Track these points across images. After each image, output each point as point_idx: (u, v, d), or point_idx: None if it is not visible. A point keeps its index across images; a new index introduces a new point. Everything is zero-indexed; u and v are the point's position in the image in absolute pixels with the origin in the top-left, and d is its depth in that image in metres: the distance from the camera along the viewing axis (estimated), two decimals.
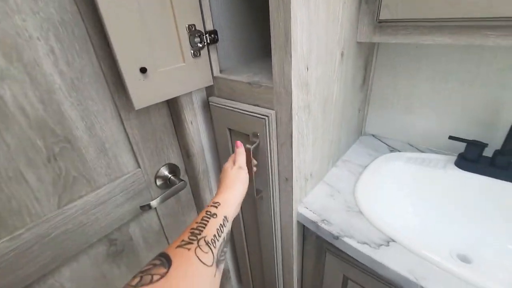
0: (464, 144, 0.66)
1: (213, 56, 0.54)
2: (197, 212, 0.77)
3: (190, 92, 0.57)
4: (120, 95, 0.51)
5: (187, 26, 0.48)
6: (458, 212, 0.64)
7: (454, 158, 0.70)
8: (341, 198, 0.63)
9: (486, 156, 0.65)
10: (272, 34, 0.42)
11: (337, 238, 0.54)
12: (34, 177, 0.44)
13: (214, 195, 0.51)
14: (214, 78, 0.56)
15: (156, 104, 0.57)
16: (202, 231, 0.34)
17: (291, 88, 0.44)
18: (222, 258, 0.36)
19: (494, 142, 0.64)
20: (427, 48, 0.68)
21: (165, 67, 0.47)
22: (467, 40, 0.49)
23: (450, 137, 0.67)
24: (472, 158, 0.65)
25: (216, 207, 0.39)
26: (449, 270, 0.44)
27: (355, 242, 0.52)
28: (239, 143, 0.49)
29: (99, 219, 0.54)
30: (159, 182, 0.63)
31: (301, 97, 0.47)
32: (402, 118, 0.80)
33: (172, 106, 0.59)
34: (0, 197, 0.42)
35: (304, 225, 0.64)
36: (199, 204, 0.74)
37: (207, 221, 0.36)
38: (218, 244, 0.35)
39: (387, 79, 0.78)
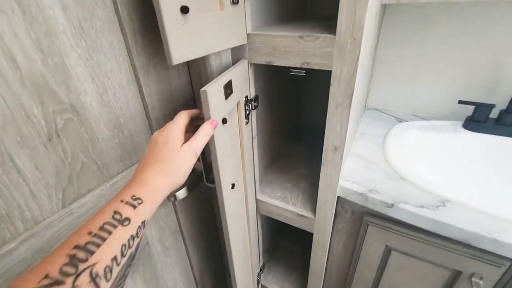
0: (468, 110, 0.70)
1: (247, 7, 0.45)
2: (214, 206, 0.67)
3: (219, 53, 0.46)
4: (139, 51, 0.38)
5: None
6: (478, 170, 0.67)
7: (459, 123, 0.73)
8: (378, 168, 0.60)
9: (492, 118, 0.69)
10: None
11: (391, 206, 0.51)
12: (30, 164, 0.30)
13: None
14: (248, 35, 0.47)
15: (177, 69, 0.46)
16: (93, 253, 0.20)
17: (361, 36, 0.38)
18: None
19: (499, 104, 0.69)
20: (433, 14, 0.69)
21: (203, 13, 0.37)
22: None
23: (460, 101, 0.70)
24: (481, 119, 0.69)
25: (135, 206, 0.25)
26: None
27: (412, 207, 0.49)
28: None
29: None
30: None
31: (363, 46, 0.41)
32: (406, 90, 0.82)
33: (195, 72, 0.48)
34: None
35: (337, 204, 0.60)
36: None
37: (110, 232, 0.22)
38: (115, 271, 0.22)
39: (392, 50, 0.78)
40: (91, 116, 0.35)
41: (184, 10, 0.33)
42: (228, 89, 0.41)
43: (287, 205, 0.66)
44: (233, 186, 0.48)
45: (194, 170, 0.53)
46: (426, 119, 0.79)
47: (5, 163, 0.28)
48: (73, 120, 0.33)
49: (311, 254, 0.69)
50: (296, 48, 0.44)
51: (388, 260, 0.60)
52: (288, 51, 0.45)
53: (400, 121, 0.80)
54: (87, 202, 0.36)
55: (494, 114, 0.70)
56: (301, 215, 0.64)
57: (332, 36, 0.40)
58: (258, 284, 0.85)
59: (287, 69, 0.49)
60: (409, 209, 0.49)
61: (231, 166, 0.47)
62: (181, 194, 0.48)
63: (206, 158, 0.51)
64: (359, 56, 0.40)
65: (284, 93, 0.81)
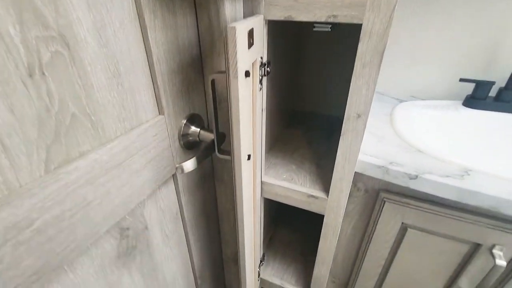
0: (466, 90, 0.71)
1: None
2: (215, 187, 0.60)
3: (234, 2, 0.40)
4: None
5: None
6: (481, 146, 0.67)
7: (459, 102, 0.74)
8: (392, 142, 0.58)
9: (491, 96, 0.70)
10: None
11: (415, 177, 0.48)
12: (3, 107, 0.22)
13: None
14: None
15: (184, 16, 0.39)
16: None
17: None
18: None
19: (498, 82, 0.70)
20: None
21: None
22: None
23: (461, 79, 0.70)
24: (481, 97, 0.69)
25: None
26: None
27: (438, 177, 0.47)
28: None
29: (110, 194, 0.33)
30: (184, 140, 0.44)
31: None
32: (405, 73, 0.81)
33: (204, 25, 0.41)
34: None
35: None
36: (221, 176, 0.57)
37: None
38: None
39: (391, 34, 0.77)
40: (86, 56, 0.27)
41: None
42: (250, 38, 0.35)
43: (296, 186, 0.61)
44: (249, 157, 0.42)
45: (198, 143, 0.46)
46: (425, 100, 0.79)
47: None
48: (63, 55, 0.25)
49: (320, 240, 0.65)
50: None
51: (403, 239, 0.58)
52: (312, 3, 0.40)
53: (401, 101, 0.79)
54: (79, 167, 0.28)
55: (492, 92, 0.71)
56: (312, 196, 0.59)
57: None
58: (258, 277, 0.79)
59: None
60: (435, 179, 0.46)
61: (248, 134, 0.41)
62: (190, 165, 0.40)
63: (219, 128, 0.44)
64: (396, 5, 0.36)
65: (287, 73, 0.76)
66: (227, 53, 0.30)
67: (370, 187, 0.57)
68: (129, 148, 0.34)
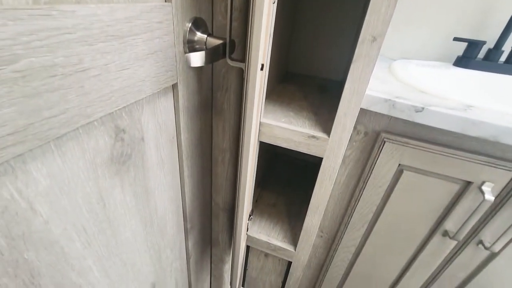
0: (456, 51, 0.74)
1: None
2: (212, 120, 0.55)
3: None
4: None
5: None
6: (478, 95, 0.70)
7: (449, 63, 0.76)
8: (395, 85, 0.58)
9: (479, 57, 0.73)
10: None
11: (421, 109, 0.48)
12: None
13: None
14: None
15: None
16: None
17: None
18: None
19: (488, 43, 0.73)
20: None
21: None
22: None
23: (455, 38, 0.73)
24: (471, 56, 0.72)
25: None
26: None
27: (444, 109, 0.47)
28: None
29: (110, 72, 0.27)
30: (189, 45, 0.39)
31: None
32: (396, 35, 0.82)
33: None
34: None
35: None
36: (221, 107, 0.52)
37: None
38: None
39: None
40: None
41: None
42: None
43: (296, 127, 0.59)
44: (262, 67, 0.39)
45: (205, 51, 0.41)
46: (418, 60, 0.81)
47: None
48: None
49: (315, 186, 0.64)
50: None
51: (397, 182, 0.58)
52: None
53: (394, 61, 0.80)
54: (75, 14, 0.22)
55: (481, 54, 0.74)
56: (313, 136, 0.57)
57: None
58: (247, 230, 0.76)
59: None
60: (441, 111, 0.47)
61: (263, 43, 0.37)
62: (197, 58, 0.36)
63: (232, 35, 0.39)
64: None
65: (278, 35, 0.73)
66: None
67: (370, 129, 0.56)
68: (133, 22, 0.29)
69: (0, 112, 0.19)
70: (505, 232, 0.52)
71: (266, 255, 0.91)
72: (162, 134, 0.41)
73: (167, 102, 0.40)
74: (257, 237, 0.82)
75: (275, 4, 0.47)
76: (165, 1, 0.34)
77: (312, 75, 0.96)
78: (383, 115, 0.54)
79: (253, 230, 0.83)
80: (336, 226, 0.73)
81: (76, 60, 0.24)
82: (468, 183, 0.53)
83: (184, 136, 0.46)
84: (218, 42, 0.39)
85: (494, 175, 0.50)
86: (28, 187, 0.23)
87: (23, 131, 0.21)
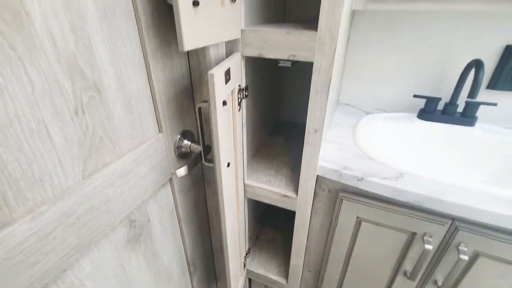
0: (421, 103, 0.84)
1: (242, 7, 0.52)
2: (205, 189, 0.71)
3: (217, 45, 0.52)
4: (150, 40, 0.43)
5: None
6: (428, 151, 0.80)
7: (414, 114, 0.87)
8: (349, 150, 0.70)
9: (439, 110, 0.84)
10: None
11: (361, 179, 0.61)
12: (60, 134, 0.33)
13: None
14: (242, 31, 0.54)
15: (179, 59, 0.51)
16: None
17: (338, 32, 0.47)
18: None
19: (444, 98, 0.84)
20: (393, 24, 0.82)
21: (209, 6, 0.43)
22: (443, 6, 0.63)
23: (415, 96, 0.84)
24: (431, 110, 0.83)
25: None
26: (460, 185, 0.56)
27: (378, 179, 0.60)
28: None
29: (124, 193, 0.44)
30: (178, 151, 0.56)
31: (339, 43, 0.50)
32: (370, 88, 0.94)
33: (194, 62, 0.53)
34: (18, 158, 0.30)
35: (315, 183, 0.68)
36: (210, 180, 0.69)
37: None
38: None
39: (358, 54, 0.90)
40: (109, 96, 0.39)
41: (195, 3, 0.39)
42: (227, 75, 0.48)
43: (272, 187, 0.73)
44: (228, 164, 0.54)
45: (190, 154, 0.58)
46: (388, 112, 0.93)
47: (41, 132, 0.31)
48: (95, 98, 0.37)
49: (294, 234, 0.77)
50: (284, 42, 0.52)
51: (359, 230, 0.70)
52: (277, 45, 0.53)
53: (367, 113, 0.92)
54: (104, 174, 0.40)
55: (441, 106, 0.85)
56: (285, 195, 0.71)
57: (314, 32, 0.49)
58: (244, 267, 0.90)
59: (273, 65, 0.56)
60: (375, 181, 0.59)
61: (227, 147, 0.53)
62: (182, 171, 0.52)
63: (205, 140, 0.56)
64: (336, 49, 0.49)
65: (268, 90, 0.88)
66: (208, 91, 0.42)
67: (331, 187, 0.69)
68: (137, 159, 0.46)
69: (68, 240, 0.36)
70: (449, 273, 0.62)
71: (266, 286, 1.03)
72: (164, 211, 0.58)
73: (166, 191, 0.57)
74: (256, 271, 0.95)
75: (242, 110, 0.63)
76: (159, 132, 0.51)
77: (301, 122, 1.10)
78: None
79: (253, 265, 0.97)
80: (319, 263, 0.85)
81: (104, 197, 0.41)
82: (414, 233, 0.63)
83: (181, 207, 0.62)
84: (198, 147, 0.56)
85: (431, 228, 0.61)
86: (80, 272, 0.40)
87: (78, 246, 0.38)
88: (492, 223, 0.52)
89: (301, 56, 0.52)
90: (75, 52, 0.33)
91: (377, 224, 0.66)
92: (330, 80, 0.51)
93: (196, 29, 0.40)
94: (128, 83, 0.42)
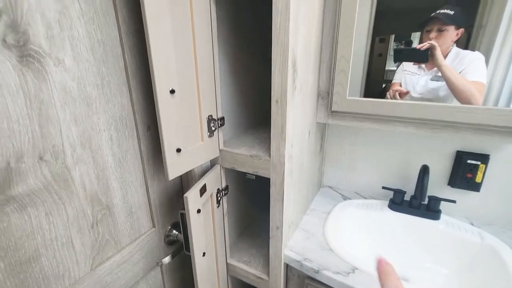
0: (391, 193, 0.94)
1: (220, 134, 0.72)
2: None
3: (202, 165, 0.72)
4: (149, 168, 0.63)
5: (207, 116, 0.66)
6: (394, 242, 0.88)
7: (386, 202, 0.97)
8: (315, 240, 0.81)
9: (407, 200, 0.93)
10: (272, 127, 0.62)
11: (317, 272, 0.71)
12: (80, 242, 0.52)
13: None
14: (220, 151, 0.73)
15: None
16: None
17: (284, 160, 0.64)
18: None
19: (410, 191, 0.94)
20: (360, 129, 0.99)
21: (190, 146, 0.63)
22: (385, 127, 0.79)
23: (383, 187, 0.95)
24: (398, 201, 0.93)
25: None
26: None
27: (331, 273, 0.69)
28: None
29: (119, 278, 0.60)
30: (167, 240, 0.72)
31: (288, 166, 0.67)
32: (348, 174, 1.07)
33: (184, 174, 0.72)
34: (51, 263, 0.48)
35: (287, 268, 0.79)
36: None
37: None
38: None
39: (336, 147, 1.06)
40: (116, 210, 0.58)
41: (178, 150, 0.59)
42: (203, 189, 0.65)
43: (250, 269, 0.85)
44: (204, 254, 0.69)
45: (176, 241, 0.74)
46: (365, 197, 1.03)
47: (68, 244, 0.50)
48: (106, 214, 0.56)
49: None
50: (249, 162, 0.70)
51: None
52: (244, 163, 0.71)
53: (345, 198, 1.03)
54: (106, 266, 0.57)
55: (408, 198, 0.94)
56: (260, 278, 0.82)
57: (268, 159, 0.66)
58: None
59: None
60: (328, 275, 0.69)
61: (203, 239, 0.68)
62: (166, 260, 0.68)
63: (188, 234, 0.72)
64: (285, 171, 0.65)
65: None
66: (184, 204, 0.60)
67: (300, 274, 0.79)
68: (132, 251, 0.63)
69: None
70: None
71: None
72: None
73: (155, 272, 0.72)
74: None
75: (223, 206, 0.79)
76: (152, 227, 0.68)
77: None
78: None
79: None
80: None
81: (104, 284, 0.57)
82: None
83: (168, 285, 0.76)
84: (181, 238, 0.72)
85: None
86: None
87: None
88: None
89: (261, 173, 0.69)
90: (97, 190, 0.53)
91: None
92: (283, 193, 0.67)
93: (179, 164, 0.60)
94: (131, 198, 0.61)
